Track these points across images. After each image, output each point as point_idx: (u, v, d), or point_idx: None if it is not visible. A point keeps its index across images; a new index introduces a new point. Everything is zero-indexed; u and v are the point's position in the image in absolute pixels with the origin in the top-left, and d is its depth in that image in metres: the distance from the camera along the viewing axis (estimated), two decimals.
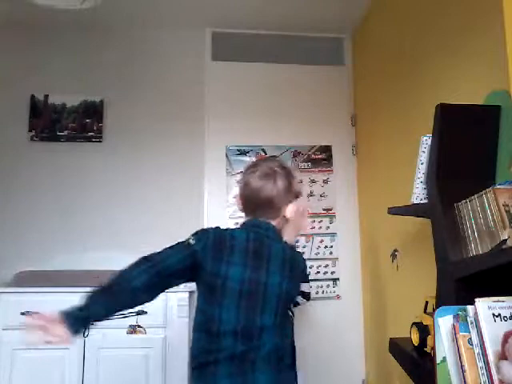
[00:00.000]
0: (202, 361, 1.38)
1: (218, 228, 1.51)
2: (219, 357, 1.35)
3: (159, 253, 1.43)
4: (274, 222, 1.51)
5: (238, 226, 1.55)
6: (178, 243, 1.48)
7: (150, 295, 1.41)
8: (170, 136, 3.09)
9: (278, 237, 1.52)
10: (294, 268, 1.51)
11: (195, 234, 1.49)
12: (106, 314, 1.37)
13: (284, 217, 1.53)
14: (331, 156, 3.18)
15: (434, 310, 1.43)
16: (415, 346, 1.67)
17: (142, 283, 1.34)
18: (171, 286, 1.45)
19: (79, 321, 1.31)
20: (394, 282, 2.49)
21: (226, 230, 1.50)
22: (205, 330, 1.40)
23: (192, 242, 1.46)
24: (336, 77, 3.26)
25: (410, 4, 2.32)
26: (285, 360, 1.44)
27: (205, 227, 1.54)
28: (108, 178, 3.01)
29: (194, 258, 1.43)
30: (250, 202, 1.51)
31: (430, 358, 1.51)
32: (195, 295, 2.95)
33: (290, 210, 1.53)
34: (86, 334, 2.43)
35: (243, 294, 1.39)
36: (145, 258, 1.41)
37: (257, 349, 1.37)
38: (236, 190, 3.07)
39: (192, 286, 2.81)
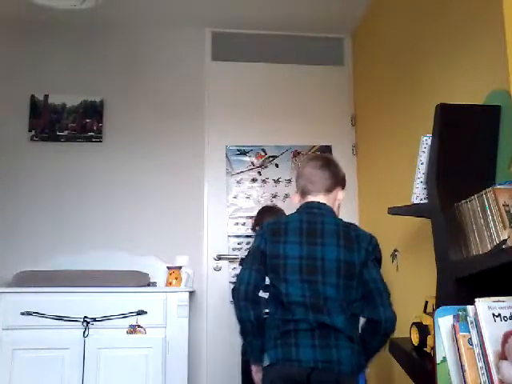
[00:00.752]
0: (283, 330, 1.49)
1: (271, 220, 1.72)
2: (298, 327, 1.46)
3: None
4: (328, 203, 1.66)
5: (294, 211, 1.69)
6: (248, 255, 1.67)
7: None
8: (170, 136, 3.09)
9: (332, 214, 1.65)
10: (356, 240, 1.59)
11: (256, 236, 1.67)
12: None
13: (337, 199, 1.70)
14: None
15: (433, 310, 1.43)
16: (415, 346, 1.67)
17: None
18: None
19: None
20: (394, 281, 2.49)
21: (281, 218, 1.71)
22: (278, 301, 1.53)
23: (256, 243, 1.63)
24: (336, 77, 3.26)
25: (410, 4, 2.32)
26: (345, 334, 1.49)
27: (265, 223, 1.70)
28: (108, 177, 3.01)
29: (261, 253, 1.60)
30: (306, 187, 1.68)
31: (429, 358, 1.51)
32: (195, 295, 2.97)
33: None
34: (86, 334, 2.44)
35: (303, 269, 1.52)
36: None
37: (327, 322, 1.46)
38: (236, 189, 3.08)
39: (192, 286, 2.83)
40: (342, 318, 1.49)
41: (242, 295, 1.55)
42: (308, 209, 1.65)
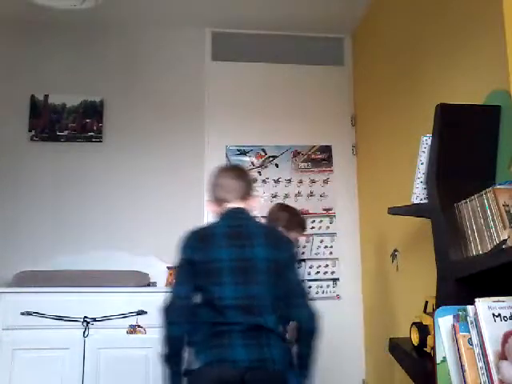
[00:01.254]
0: (216, 332, 1.51)
1: (195, 228, 1.71)
2: (231, 329, 1.49)
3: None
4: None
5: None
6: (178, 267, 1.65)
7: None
8: (170, 136, 3.09)
9: (253, 217, 1.76)
10: (279, 241, 1.69)
11: (179, 249, 1.65)
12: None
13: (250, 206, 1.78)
14: (331, 156, 3.18)
15: (433, 310, 1.43)
16: (415, 346, 1.67)
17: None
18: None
19: None
20: (394, 282, 2.49)
21: (204, 225, 1.77)
22: (211, 306, 1.55)
23: (181, 257, 1.64)
24: (336, 77, 3.26)
25: (410, 4, 2.32)
26: (275, 334, 1.55)
27: (184, 234, 1.70)
28: (108, 177, 3.01)
29: (190, 264, 1.61)
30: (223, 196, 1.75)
31: (430, 358, 1.51)
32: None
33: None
34: (86, 334, 2.44)
35: (235, 271, 1.56)
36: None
37: (260, 322, 1.51)
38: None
39: None
40: (273, 318, 1.55)
41: (173, 311, 1.57)
42: (232, 214, 1.70)
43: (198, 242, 1.64)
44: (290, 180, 3.11)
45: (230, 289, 1.54)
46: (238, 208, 1.71)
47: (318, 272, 3.03)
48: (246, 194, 1.75)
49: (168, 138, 3.08)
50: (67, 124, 3.03)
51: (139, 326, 2.53)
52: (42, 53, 3.08)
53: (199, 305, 1.60)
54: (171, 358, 1.56)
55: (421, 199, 1.62)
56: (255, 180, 1.91)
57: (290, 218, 2.33)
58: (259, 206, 3.05)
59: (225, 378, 1.45)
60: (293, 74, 3.21)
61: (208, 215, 3.03)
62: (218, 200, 1.74)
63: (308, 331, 1.60)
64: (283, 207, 2.53)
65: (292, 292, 1.61)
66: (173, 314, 1.58)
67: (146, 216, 2.98)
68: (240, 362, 1.44)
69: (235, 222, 1.67)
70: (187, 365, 1.56)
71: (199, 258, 1.59)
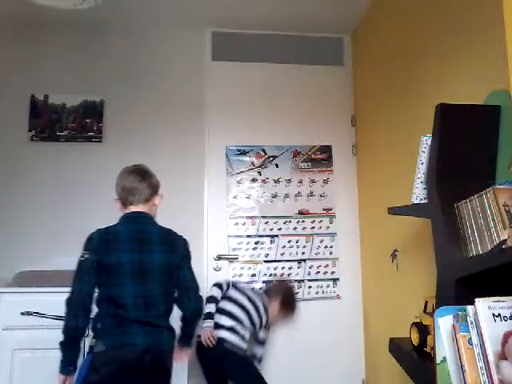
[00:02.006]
0: (118, 322, 1.78)
1: (100, 229, 1.87)
2: (131, 321, 1.77)
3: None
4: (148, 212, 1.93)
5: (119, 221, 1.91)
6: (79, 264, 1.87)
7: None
8: (170, 136, 3.09)
9: (154, 222, 1.94)
10: (173, 243, 1.93)
11: (84, 248, 1.87)
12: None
13: (154, 205, 1.97)
14: (331, 156, 3.18)
15: (433, 310, 1.43)
16: (415, 346, 1.67)
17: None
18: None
19: None
20: (394, 282, 2.49)
21: (109, 227, 1.88)
22: (112, 302, 1.79)
23: (85, 256, 1.85)
24: (336, 77, 3.26)
25: (410, 4, 2.32)
26: (165, 323, 1.86)
27: (89, 235, 1.88)
28: (108, 177, 2.99)
29: (93, 264, 1.82)
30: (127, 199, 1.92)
31: (429, 358, 1.51)
32: None
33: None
34: (86, 333, 2.44)
35: (135, 273, 1.80)
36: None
37: (153, 315, 1.80)
38: (236, 189, 3.08)
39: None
40: (164, 314, 1.86)
41: (75, 304, 1.77)
42: (134, 219, 1.90)
43: (102, 243, 1.83)
44: (289, 180, 3.11)
45: (130, 288, 1.79)
46: (139, 212, 1.90)
47: (318, 272, 3.03)
48: (150, 195, 1.92)
49: (168, 137, 3.08)
50: (67, 124, 3.03)
51: None
52: (42, 53, 3.08)
53: (101, 299, 1.83)
54: (68, 345, 1.77)
55: (421, 199, 1.62)
56: (158, 182, 2.03)
57: (283, 312, 2.63)
58: (259, 206, 3.06)
59: (127, 358, 1.75)
60: (293, 73, 3.21)
61: (208, 215, 3.04)
62: (123, 202, 1.92)
63: (193, 319, 1.95)
64: (286, 303, 2.64)
65: (184, 288, 1.90)
66: (74, 307, 1.78)
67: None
68: (138, 346, 1.75)
69: (136, 227, 1.88)
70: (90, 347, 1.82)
71: (102, 260, 1.81)
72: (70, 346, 1.77)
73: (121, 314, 1.78)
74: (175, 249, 1.92)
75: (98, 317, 1.82)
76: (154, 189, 1.96)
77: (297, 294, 2.82)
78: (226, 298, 2.49)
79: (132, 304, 1.79)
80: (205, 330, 2.33)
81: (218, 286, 2.52)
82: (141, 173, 1.95)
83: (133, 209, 1.91)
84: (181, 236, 1.99)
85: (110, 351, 1.76)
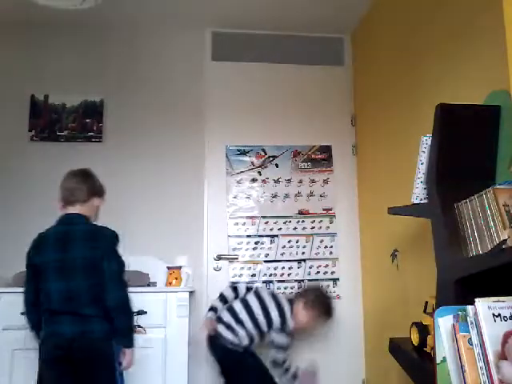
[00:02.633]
0: (49, 315, 1.97)
1: (40, 233, 2.06)
2: (60, 313, 1.95)
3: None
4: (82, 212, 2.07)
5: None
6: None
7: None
8: (170, 136, 3.09)
9: (84, 221, 2.06)
10: (97, 239, 2.02)
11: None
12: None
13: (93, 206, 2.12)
14: (331, 156, 3.18)
15: (433, 310, 1.43)
16: (415, 346, 1.67)
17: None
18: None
19: None
20: (394, 282, 2.49)
21: (44, 231, 2.06)
22: (44, 297, 2.00)
23: (26, 260, 2.06)
24: (336, 77, 3.26)
25: (410, 4, 2.32)
26: (94, 313, 1.96)
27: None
28: (108, 178, 2.99)
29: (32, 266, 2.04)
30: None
31: (429, 358, 1.51)
32: (195, 295, 2.97)
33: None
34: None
35: (59, 270, 1.97)
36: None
37: (79, 306, 1.95)
38: (236, 189, 3.08)
39: (192, 286, 2.83)
40: (91, 305, 1.96)
41: (27, 302, 2.07)
42: (65, 220, 2.05)
43: (35, 247, 2.04)
44: (289, 180, 3.11)
45: (55, 284, 1.96)
46: (72, 213, 2.04)
47: (318, 272, 3.03)
48: (87, 197, 2.07)
49: (168, 137, 3.08)
50: (67, 124, 3.03)
51: (139, 326, 2.52)
52: (42, 53, 3.08)
53: (40, 296, 2.02)
54: (33, 328, 2.08)
55: (421, 199, 1.62)
56: (102, 186, 2.20)
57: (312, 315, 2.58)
58: (259, 206, 3.06)
59: (58, 345, 1.93)
60: (293, 73, 3.21)
61: (208, 215, 3.04)
62: (64, 202, 2.06)
63: (116, 311, 1.98)
64: (312, 306, 2.58)
65: (107, 280, 1.98)
66: (24, 305, 2.07)
67: (146, 216, 2.97)
68: (66, 335, 1.92)
69: (64, 228, 2.03)
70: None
71: (35, 261, 2.02)
72: (34, 329, 2.08)
73: (50, 307, 1.98)
74: (99, 244, 2.02)
75: (41, 312, 2.03)
76: (94, 191, 2.11)
77: (328, 296, 2.71)
78: (240, 299, 2.57)
79: (57, 297, 1.96)
80: (205, 319, 2.52)
81: (233, 288, 2.64)
82: (81, 176, 2.10)
83: (70, 210, 2.06)
84: (110, 231, 2.07)
85: (46, 340, 1.97)
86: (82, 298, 1.96)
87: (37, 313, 2.03)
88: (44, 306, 2.00)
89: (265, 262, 3.01)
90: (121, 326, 2.00)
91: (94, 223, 2.10)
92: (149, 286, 2.73)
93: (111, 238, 2.05)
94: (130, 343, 2.02)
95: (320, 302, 2.59)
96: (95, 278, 1.98)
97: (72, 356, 1.91)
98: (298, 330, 2.59)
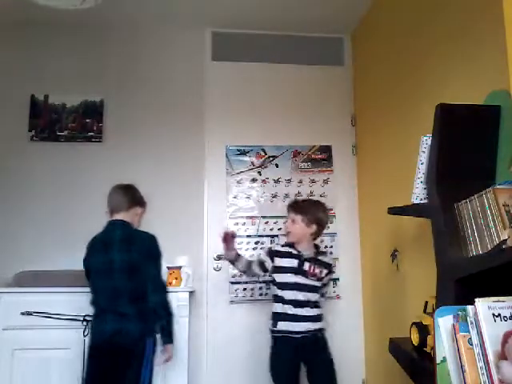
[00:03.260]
0: (98, 313, 2.21)
1: (93, 237, 2.30)
2: (105, 311, 2.18)
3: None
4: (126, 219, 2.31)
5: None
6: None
7: None
8: (170, 136, 3.09)
9: (125, 226, 2.28)
10: (134, 242, 2.23)
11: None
12: None
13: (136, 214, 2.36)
14: (331, 156, 3.18)
15: (433, 310, 1.43)
16: (415, 346, 1.67)
17: None
18: None
19: None
20: (394, 281, 2.49)
21: (96, 235, 2.31)
22: (94, 297, 2.24)
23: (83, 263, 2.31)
24: (336, 77, 3.26)
25: (410, 4, 2.32)
26: (132, 312, 2.16)
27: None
28: (108, 178, 2.99)
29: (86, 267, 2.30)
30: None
31: (429, 358, 1.51)
32: (195, 295, 2.97)
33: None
34: (87, 332, 2.45)
35: (104, 271, 2.19)
36: None
37: (119, 304, 2.16)
38: (236, 189, 3.09)
39: (192, 286, 2.83)
40: (129, 304, 2.16)
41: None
42: (109, 225, 2.29)
43: (88, 249, 2.30)
44: (289, 180, 3.11)
45: (102, 283, 2.19)
46: (116, 220, 2.29)
47: None
48: (129, 207, 2.31)
49: (168, 137, 3.08)
50: (67, 124, 3.03)
51: None
52: (41, 53, 3.08)
53: (92, 293, 2.25)
54: None
55: (421, 199, 1.62)
56: (142, 198, 2.43)
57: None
58: (258, 206, 3.06)
59: (100, 339, 2.17)
60: (293, 73, 3.21)
61: (208, 215, 3.04)
62: (110, 211, 2.32)
63: (158, 311, 2.18)
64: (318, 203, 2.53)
65: (147, 282, 2.20)
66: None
67: (146, 216, 2.96)
68: (108, 332, 2.13)
69: (108, 233, 2.27)
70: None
71: (88, 262, 2.28)
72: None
73: (98, 305, 2.21)
74: (135, 248, 2.22)
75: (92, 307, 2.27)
76: (135, 201, 2.35)
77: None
78: None
79: (102, 296, 2.19)
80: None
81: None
82: (124, 188, 2.38)
83: (115, 216, 2.30)
84: (147, 235, 2.30)
85: (94, 335, 2.22)
86: (122, 297, 2.16)
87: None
88: (93, 303, 2.23)
89: None
90: (162, 324, 2.19)
91: (135, 228, 2.33)
92: None
93: (149, 241, 2.27)
94: (170, 340, 2.21)
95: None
96: (134, 280, 2.19)
97: (110, 350, 2.13)
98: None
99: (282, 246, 2.44)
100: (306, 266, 2.31)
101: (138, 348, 2.15)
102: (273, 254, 2.42)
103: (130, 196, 2.36)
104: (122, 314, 2.15)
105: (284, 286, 2.32)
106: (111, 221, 2.29)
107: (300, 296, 2.28)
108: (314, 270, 2.31)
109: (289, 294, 2.29)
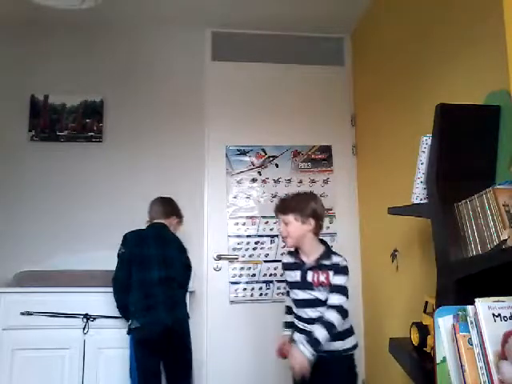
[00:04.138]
0: (147, 304, 2.36)
1: (133, 230, 2.50)
2: (157, 300, 2.36)
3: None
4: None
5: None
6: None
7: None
8: (170, 136, 3.09)
9: (168, 229, 2.59)
10: (175, 241, 2.58)
11: (121, 244, 2.48)
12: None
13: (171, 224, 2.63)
14: (331, 156, 3.18)
15: (433, 310, 1.43)
16: (415, 346, 1.67)
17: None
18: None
19: None
20: (394, 281, 2.49)
21: (139, 230, 2.54)
22: (142, 285, 2.40)
23: (121, 250, 2.46)
24: (336, 77, 3.26)
25: (410, 4, 2.32)
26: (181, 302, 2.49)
27: (124, 235, 2.48)
28: (108, 177, 3.01)
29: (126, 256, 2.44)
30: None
31: (430, 358, 1.51)
32: (195, 295, 2.97)
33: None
34: (86, 330, 2.47)
35: (159, 262, 2.42)
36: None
37: (173, 294, 2.43)
38: (236, 189, 3.09)
39: (192, 286, 2.83)
40: (181, 292, 2.49)
41: (121, 284, 2.41)
42: (157, 225, 2.56)
43: (133, 240, 2.46)
44: (289, 180, 3.11)
45: (156, 273, 2.38)
46: (160, 222, 2.57)
47: None
48: (169, 215, 2.61)
49: (168, 137, 3.08)
50: (67, 124, 3.03)
51: None
52: (41, 53, 3.08)
53: (133, 283, 2.39)
54: (120, 308, 2.44)
55: (421, 199, 1.62)
56: (179, 209, 2.70)
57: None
58: (259, 206, 3.06)
59: (155, 331, 2.31)
60: (293, 73, 3.21)
61: (208, 215, 3.04)
62: (151, 218, 2.60)
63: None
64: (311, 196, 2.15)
65: (186, 271, 2.58)
66: (118, 286, 2.43)
67: (146, 216, 2.97)
68: (163, 320, 2.32)
69: (159, 231, 2.54)
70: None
71: (134, 253, 2.42)
72: (121, 311, 2.44)
73: (150, 294, 2.36)
74: (176, 245, 2.57)
75: (131, 300, 2.38)
76: (173, 212, 2.64)
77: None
78: None
79: (157, 285, 2.36)
80: None
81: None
82: (163, 200, 2.65)
83: (156, 221, 2.58)
84: (178, 238, 2.63)
85: (145, 324, 2.32)
86: (176, 286, 2.43)
87: (126, 295, 2.39)
88: (141, 292, 2.37)
89: (265, 261, 3.01)
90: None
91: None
92: None
93: (181, 242, 2.61)
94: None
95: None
96: (183, 273, 2.52)
97: (168, 338, 2.33)
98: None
99: (289, 252, 2.09)
100: (310, 275, 1.94)
101: (188, 330, 2.47)
102: (283, 267, 2.11)
103: (170, 207, 2.65)
104: (175, 301, 2.41)
105: (295, 303, 2.01)
106: (157, 223, 2.57)
107: (311, 313, 1.92)
108: (318, 278, 1.93)
109: (300, 313, 1.97)
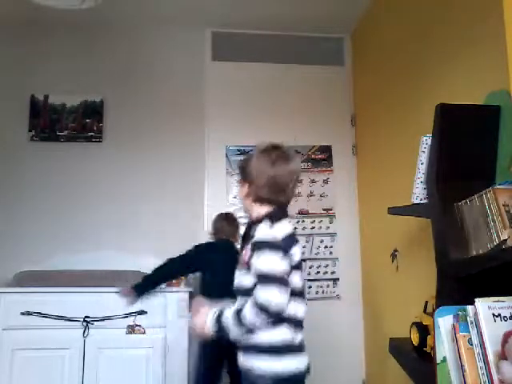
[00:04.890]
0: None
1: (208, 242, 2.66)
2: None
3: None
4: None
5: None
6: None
7: None
8: (170, 136, 3.09)
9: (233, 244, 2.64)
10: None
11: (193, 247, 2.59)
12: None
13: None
14: (331, 156, 3.18)
15: (433, 310, 1.43)
16: (415, 346, 1.67)
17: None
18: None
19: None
20: (394, 281, 2.49)
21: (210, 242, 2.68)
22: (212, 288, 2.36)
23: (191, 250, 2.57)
24: (336, 77, 3.26)
25: (410, 4, 2.32)
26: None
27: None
28: (108, 177, 3.01)
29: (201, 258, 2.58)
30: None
31: (430, 358, 1.51)
32: (195, 295, 2.97)
33: None
34: (86, 333, 2.45)
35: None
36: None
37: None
38: (236, 189, 3.08)
39: (192, 286, 2.83)
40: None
41: (170, 271, 2.58)
42: (225, 241, 2.60)
43: (206, 248, 2.60)
44: None
45: (229, 277, 2.16)
46: (226, 239, 2.63)
47: (318, 272, 3.03)
48: (233, 231, 2.67)
49: (168, 137, 3.08)
50: (67, 124, 3.03)
51: (139, 326, 2.53)
52: (41, 53, 3.08)
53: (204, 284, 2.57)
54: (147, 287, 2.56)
55: (421, 199, 1.62)
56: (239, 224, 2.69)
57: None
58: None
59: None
60: (293, 73, 3.21)
61: (208, 215, 3.04)
62: (217, 232, 2.68)
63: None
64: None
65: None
66: (164, 271, 2.58)
67: (147, 216, 2.98)
68: None
69: (226, 244, 2.60)
70: None
71: (207, 257, 2.55)
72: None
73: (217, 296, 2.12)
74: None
75: None
76: (237, 229, 2.69)
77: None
78: None
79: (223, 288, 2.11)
80: None
81: None
82: (229, 218, 2.71)
83: (221, 237, 2.66)
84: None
85: None
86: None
87: (158, 285, 2.54)
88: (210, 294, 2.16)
89: None
90: None
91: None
92: None
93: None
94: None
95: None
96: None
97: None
98: None
99: None
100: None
101: None
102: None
103: (234, 226, 2.71)
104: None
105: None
106: (224, 239, 2.64)
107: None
108: (245, 254, 1.57)
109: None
